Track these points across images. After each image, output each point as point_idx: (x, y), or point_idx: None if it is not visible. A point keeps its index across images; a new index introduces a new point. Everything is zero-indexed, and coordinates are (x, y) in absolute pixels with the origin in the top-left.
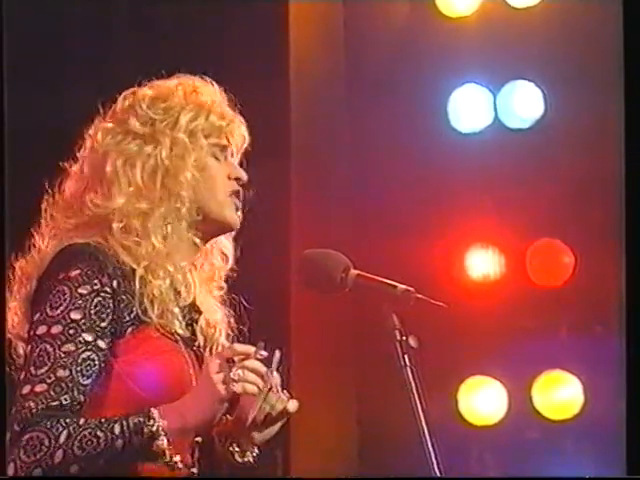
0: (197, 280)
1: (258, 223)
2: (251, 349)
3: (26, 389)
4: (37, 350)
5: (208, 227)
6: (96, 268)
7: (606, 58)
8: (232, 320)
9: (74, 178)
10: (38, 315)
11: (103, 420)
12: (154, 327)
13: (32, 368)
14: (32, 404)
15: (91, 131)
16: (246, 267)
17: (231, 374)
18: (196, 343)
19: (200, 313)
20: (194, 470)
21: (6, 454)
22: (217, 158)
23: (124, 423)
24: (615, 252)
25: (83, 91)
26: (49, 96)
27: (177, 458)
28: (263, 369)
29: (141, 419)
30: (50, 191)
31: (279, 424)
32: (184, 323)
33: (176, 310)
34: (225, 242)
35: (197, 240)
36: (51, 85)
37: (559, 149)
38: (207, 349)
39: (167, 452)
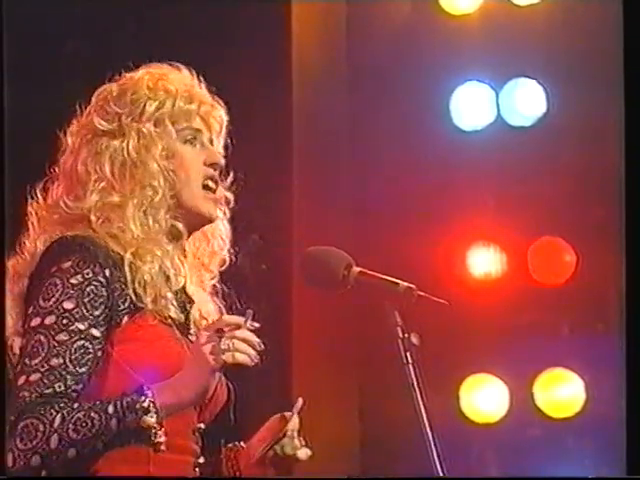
0: (187, 267)
1: (261, 221)
2: (241, 320)
3: (21, 380)
4: (32, 342)
5: (185, 215)
6: (87, 258)
7: (608, 56)
8: (224, 311)
9: (54, 180)
10: (32, 308)
11: (97, 402)
12: (150, 314)
13: (27, 359)
14: (26, 393)
15: (67, 134)
16: (249, 264)
17: (221, 344)
18: (191, 331)
19: (192, 302)
20: (200, 460)
21: (5, 451)
22: (191, 143)
23: (117, 403)
24: (616, 250)
25: (83, 90)
26: (48, 96)
27: (162, 439)
28: (254, 339)
29: (134, 397)
30: (35, 194)
31: (285, 467)
32: (178, 309)
33: (169, 295)
34: (220, 227)
35: (179, 225)
36: (50, 84)
37: (561, 147)
38: None
39: (153, 430)
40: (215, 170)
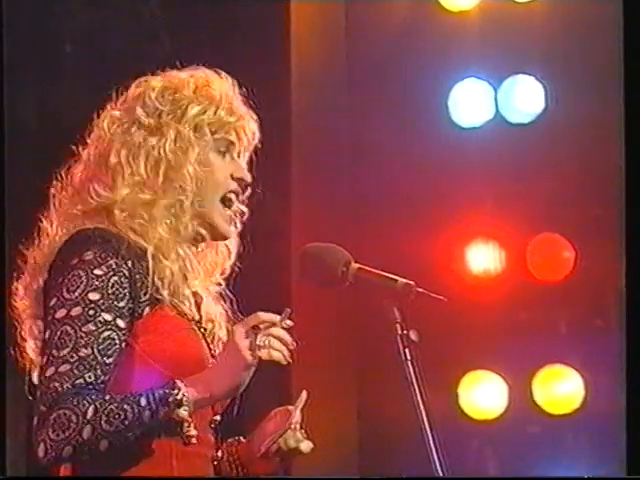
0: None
1: (259, 217)
2: (276, 317)
3: (50, 371)
4: (58, 333)
5: (205, 224)
6: (109, 250)
7: (607, 53)
8: (230, 314)
9: (82, 164)
10: (55, 300)
11: (129, 395)
12: (168, 307)
13: (54, 350)
14: (57, 384)
15: (100, 118)
16: (247, 261)
17: (257, 341)
18: (204, 329)
19: (202, 301)
20: (219, 454)
21: (6, 451)
22: (222, 154)
23: (150, 395)
24: (615, 247)
25: (84, 89)
26: (49, 92)
27: (193, 432)
28: (288, 338)
29: (167, 390)
30: (59, 177)
31: (288, 460)
32: (194, 307)
33: (187, 292)
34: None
35: (203, 231)
36: (51, 82)
37: (560, 144)
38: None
39: (185, 423)
40: (239, 185)
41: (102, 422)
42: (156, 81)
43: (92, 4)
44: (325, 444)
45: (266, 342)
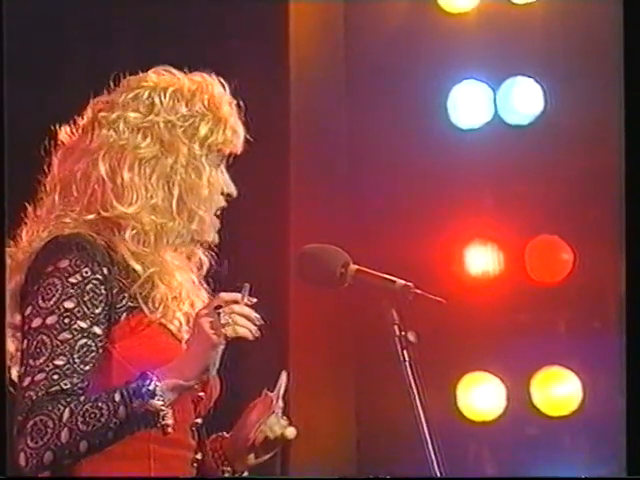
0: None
1: (258, 218)
2: (238, 295)
3: (26, 381)
4: (34, 342)
5: (199, 239)
6: (84, 257)
7: (606, 54)
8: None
9: (79, 155)
10: (30, 309)
11: (103, 393)
12: (150, 319)
13: (30, 360)
14: (32, 393)
15: (104, 112)
16: (246, 262)
17: (221, 320)
18: (183, 330)
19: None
20: (198, 457)
21: (7, 452)
22: (217, 168)
23: (123, 390)
24: (614, 249)
25: (83, 89)
26: (47, 94)
27: (170, 421)
28: (253, 314)
29: (139, 382)
30: (48, 167)
31: (274, 450)
32: (183, 328)
33: (178, 314)
34: None
35: (200, 253)
36: (50, 82)
37: (559, 145)
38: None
39: (161, 412)
40: (226, 201)
41: (79, 423)
42: (163, 83)
43: (92, 4)
44: (323, 444)
45: (229, 320)
